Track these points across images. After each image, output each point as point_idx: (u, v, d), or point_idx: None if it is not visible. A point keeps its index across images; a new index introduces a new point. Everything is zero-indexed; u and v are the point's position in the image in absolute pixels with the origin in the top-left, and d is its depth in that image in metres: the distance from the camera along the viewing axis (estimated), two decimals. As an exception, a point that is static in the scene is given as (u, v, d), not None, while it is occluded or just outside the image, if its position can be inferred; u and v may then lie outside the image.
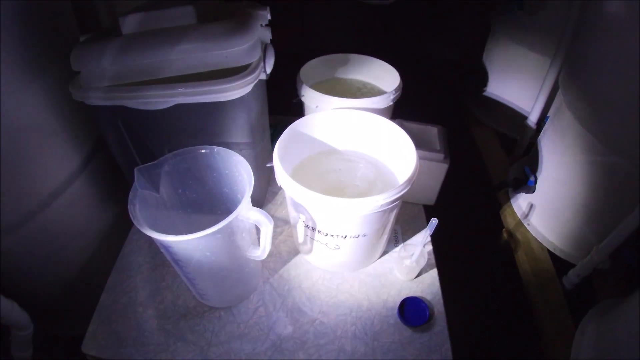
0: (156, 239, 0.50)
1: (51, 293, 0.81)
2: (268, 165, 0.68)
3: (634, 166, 0.75)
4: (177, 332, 0.67)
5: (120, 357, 0.64)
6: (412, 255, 0.70)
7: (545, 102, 1.10)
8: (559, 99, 0.93)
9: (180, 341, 0.66)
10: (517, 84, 1.30)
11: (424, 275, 0.75)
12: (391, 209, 0.63)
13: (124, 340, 0.66)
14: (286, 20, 1.02)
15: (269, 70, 0.67)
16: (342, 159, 0.80)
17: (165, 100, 0.60)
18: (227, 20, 0.61)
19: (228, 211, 0.51)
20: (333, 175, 0.78)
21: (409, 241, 0.81)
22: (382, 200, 0.57)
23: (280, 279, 0.74)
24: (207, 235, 0.49)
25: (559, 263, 0.95)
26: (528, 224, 1.03)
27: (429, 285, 0.74)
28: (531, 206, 1.02)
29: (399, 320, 0.68)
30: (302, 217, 0.64)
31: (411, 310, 0.70)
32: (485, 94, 1.42)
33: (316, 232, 0.66)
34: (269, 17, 0.68)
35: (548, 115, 1.01)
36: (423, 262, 0.72)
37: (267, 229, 0.56)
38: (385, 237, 0.73)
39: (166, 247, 0.54)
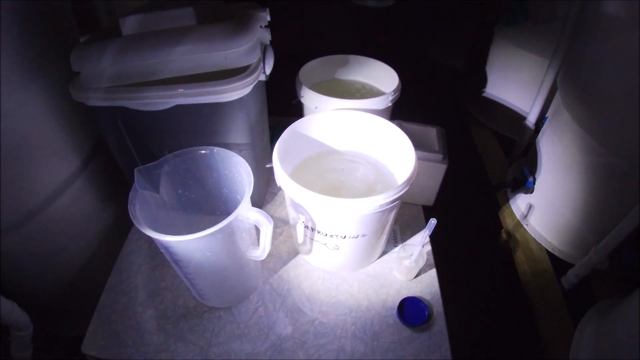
0: (156, 239, 0.50)
1: (51, 293, 0.82)
2: (268, 165, 0.68)
3: (632, 166, 0.75)
4: (177, 332, 0.67)
5: (120, 357, 0.64)
6: (411, 255, 0.71)
7: (544, 103, 1.11)
8: (557, 99, 0.94)
9: (180, 341, 0.66)
10: (515, 85, 1.31)
11: (423, 276, 0.75)
12: (390, 209, 0.63)
13: (124, 341, 0.66)
14: (286, 22, 1.02)
15: (268, 71, 0.67)
16: (341, 159, 0.80)
17: (165, 101, 0.60)
18: (226, 21, 0.61)
19: (227, 212, 0.52)
20: (332, 175, 0.78)
21: (408, 241, 0.81)
22: (381, 200, 0.57)
23: (280, 279, 0.75)
24: (207, 235, 0.49)
25: (558, 263, 0.96)
26: (527, 225, 1.03)
27: (428, 285, 0.74)
28: (530, 207, 1.02)
29: (398, 320, 0.68)
30: (302, 218, 0.65)
31: (410, 310, 0.70)
32: (484, 94, 1.42)
33: (315, 232, 0.66)
34: (268, 18, 0.68)
35: (546, 116, 1.01)
36: (422, 263, 0.72)
37: (266, 229, 0.56)
38: (384, 237, 0.73)
39: (166, 247, 0.54)
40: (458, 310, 0.78)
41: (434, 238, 0.75)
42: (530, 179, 0.99)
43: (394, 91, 0.81)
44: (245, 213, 0.54)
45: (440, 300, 0.71)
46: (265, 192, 0.90)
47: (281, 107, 0.91)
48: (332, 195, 0.57)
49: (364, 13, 1.54)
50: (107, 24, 0.86)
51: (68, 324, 0.92)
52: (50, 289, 0.81)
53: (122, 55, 0.58)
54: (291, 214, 0.70)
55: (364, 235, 0.65)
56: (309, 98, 0.81)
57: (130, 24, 0.60)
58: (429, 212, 0.87)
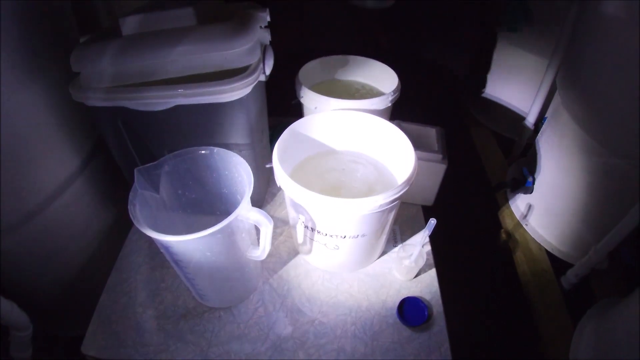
0: (156, 239, 0.50)
1: (51, 293, 0.81)
2: (267, 166, 0.68)
3: (632, 166, 0.75)
4: (177, 333, 0.67)
5: (120, 357, 0.64)
6: (411, 255, 0.71)
7: (543, 103, 1.11)
8: (556, 100, 0.94)
9: (180, 341, 0.66)
10: (515, 85, 1.31)
11: (422, 275, 0.75)
12: (390, 209, 0.63)
13: (124, 341, 0.66)
14: (285, 22, 1.02)
15: (268, 71, 0.67)
16: (341, 159, 0.80)
17: (165, 102, 0.60)
18: (226, 21, 0.61)
19: (227, 212, 0.52)
20: (332, 175, 0.78)
21: (408, 241, 0.82)
22: (381, 200, 0.57)
23: (280, 280, 0.75)
24: (207, 235, 0.49)
25: (557, 263, 0.96)
26: (526, 225, 1.04)
27: (427, 285, 0.74)
28: (529, 207, 1.02)
29: (398, 320, 0.68)
30: (302, 218, 0.65)
31: (410, 310, 0.70)
32: (483, 95, 1.43)
33: (315, 232, 0.66)
34: (268, 18, 0.68)
35: (546, 116, 1.01)
36: (422, 262, 0.72)
37: (266, 229, 0.56)
38: (384, 237, 0.73)
39: (166, 247, 0.54)
40: (458, 310, 0.78)
41: (433, 238, 0.76)
42: (530, 179, 1.00)
43: (394, 91, 0.82)
44: (245, 213, 0.54)
45: (440, 300, 0.72)
46: (265, 192, 0.90)
47: (281, 108, 0.91)
48: (332, 195, 0.57)
49: (363, 14, 1.54)
50: (107, 24, 0.86)
51: (68, 324, 0.92)
52: (50, 289, 0.81)
53: (122, 56, 0.58)
54: (291, 214, 0.70)
55: (363, 235, 0.65)
56: (309, 98, 0.81)
57: (130, 24, 0.60)
58: (428, 212, 0.87)
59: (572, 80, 0.87)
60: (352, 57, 0.94)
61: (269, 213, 0.55)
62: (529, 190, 1.01)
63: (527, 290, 0.95)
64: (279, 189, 0.64)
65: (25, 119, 0.62)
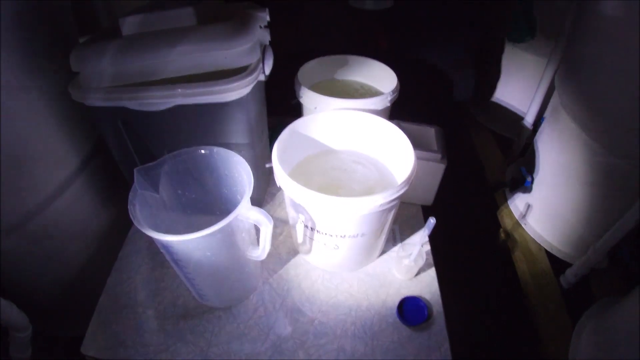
0: (156, 239, 0.50)
1: (51, 293, 0.81)
2: (267, 165, 0.68)
3: (630, 166, 0.75)
4: (176, 333, 0.67)
5: (120, 357, 0.64)
6: (411, 254, 0.71)
7: (542, 102, 1.11)
8: (555, 99, 0.94)
9: (180, 342, 0.66)
10: (513, 85, 1.31)
11: (422, 275, 0.75)
12: (389, 209, 0.63)
13: (124, 341, 0.66)
14: (285, 22, 1.02)
15: (267, 71, 0.67)
16: (340, 159, 0.80)
17: (165, 101, 0.60)
18: (226, 21, 0.62)
19: (227, 212, 0.52)
20: (332, 175, 0.78)
21: (407, 241, 0.82)
22: (381, 200, 0.57)
23: (280, 279, 0.75)
24: (207, 235, 0.49)
25: (557, 263, 0.96)
26: (525, 224, 1.04)
27: (427, 285, 0.74)
28: (528, 206, 1.02)
29: (398, 319, 0.68)
30: (301, 217, 0.65)
31: (410, 309, 0.70)
32: (483, 95, 1.43)
33: (315, 232, 0.66)
34: (267, 18, 0.68)
35: (544, 116, 1.01)
36: (421, 262, 0.72)
37: (266, 228, 0.57)
38: (383, 237, 0.73)
39: (166, 247, 0.54)
40: (457, 310, 0.78)
41: (433, 237, 0.76)
42: (528, 179, 1.00)
43: (393, 91, 0.82)
44: (245, 212, 0.54)
45: (439, 300, 0.72)
46: (264, 193, 0.90)
47: (280, 108, 0.91)
48: (332, 194, 0.57)
49: (363, 15, 1.54)
50: (107, 25, 0.87)
51: (68, 324, 0.92)
52: (50, 289, 0.81)
53: (121, 56, 0.58)
54: (291, 213, 0.70)
55: (363, 235, 0.65)
56: (308, 98, 0.81)
57: (130, 24, 0.60)
58: (428, 211, 0.87)
59: (571, 80, 0.87)
60: (351, 57, 0.94)
61: (268, 213, 0.55)
62: (527, 189, 1.01)
63: (526, 289, 0.95)
64: (279, 188, 0.64)
65: (25, 119, 0.63)
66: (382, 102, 0.80)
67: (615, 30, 0.73)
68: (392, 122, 0.74)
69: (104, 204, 0.84)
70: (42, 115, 0.66)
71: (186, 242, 0.51)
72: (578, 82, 0.84)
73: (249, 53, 0.62)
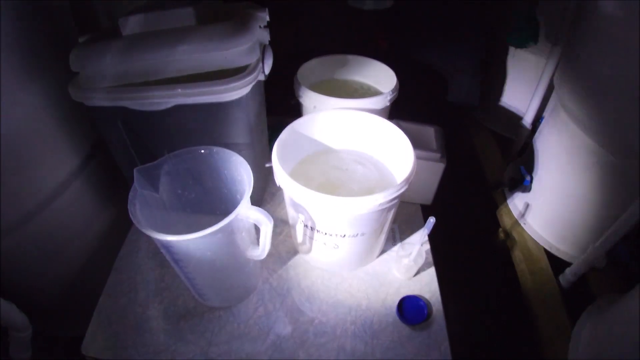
0: (157, 239, 0.50)
1: (51, 293, 0.81)
2: (267, 165, 0.68)
3: (629, 165, 0.75)
4: (177, 333, 0.67)
5: (120, 357, 0.64)
6: (410, 254, 0.71)
7: (541, 102, 1.11)
8: (554, 99, 0.94)
9: (180, 341, 0.66)
10: (512, 84, 1.31)
11: (422, 274, 0.76)
12: (389, 208, 0.64)
13: (124, 341, 0.66)
14: (284, 22, 1.02)
15: (267, 71, 0.67)
16: (340, 158, 0.80)
17: (165, 101, 0.60)
18: (226, 21, 0.62)
19: (227, 212, 0.52)
20: (331, 174, 0.78)
21: (407, 240, 0.82)
22: (380, 199, 0.57)
23: (280, 279, 0.75)
24: (208, 234, 0.49)
25: (556, 262, 0.96)
26: (524, 224, 1.04)
27: (427, 284, 0.74)
28: (527, 206, 1.02)
29: (397, 318, 0.69)
30: (301, 217, 0.65)
31: (410, 308, 0.70)
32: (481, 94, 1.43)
33: (315, 231, 0.66)
34: (267, 18, 0.68)
35: (543, 115, 1.02)
36: (421, 261, 0.72)
37: (266, 228, 0.57)
38: (383, 236, 0.73)
39: (166, 247, 0.54)
40: (457, 309, 0.78)
41: (432, 237, 0.76)
42: (528, 178, 1.00)
43: (392, 91, 0.82)
44: (246, 212, 0.54)
45: (439, 299, 0.72)
46: (264, 192, 0.90)
47: (280, 107, 0.91)
48: (332, 194, 0.57)
49: (362, 15, 1.54)
50: (106, 25, 0.87)
51: (68, 324, 0.91)
52: (50, 289, 0.81)
53: (121, 55, 0.58)
54: (290, 213, 0.70)
55: (363, 234, 0.65)
56: (308, 98, 0.81)
57: (130, 24, 0.60)
58: (427, 211, 0.88)
59: (570, 80, 0.87)
60: (350, 57, 0.94)
61: (268, 213, 0.56)
62: (526, 189, 1.01)
63: (526, 288, 0.95)
64: (279, 188, 0.64)
65: (24, 118, 0.63)
66: (382, 101, 0.80)
67: (615, 30, 0.73)
68: (392, 122, 0.74)
69: (104, 204, 0.84)
70: (42, 115, 0.66)
71: (186, 242, 0.51)
72: (577, 82, 0.84)
73: (248, 53, 0.62)
